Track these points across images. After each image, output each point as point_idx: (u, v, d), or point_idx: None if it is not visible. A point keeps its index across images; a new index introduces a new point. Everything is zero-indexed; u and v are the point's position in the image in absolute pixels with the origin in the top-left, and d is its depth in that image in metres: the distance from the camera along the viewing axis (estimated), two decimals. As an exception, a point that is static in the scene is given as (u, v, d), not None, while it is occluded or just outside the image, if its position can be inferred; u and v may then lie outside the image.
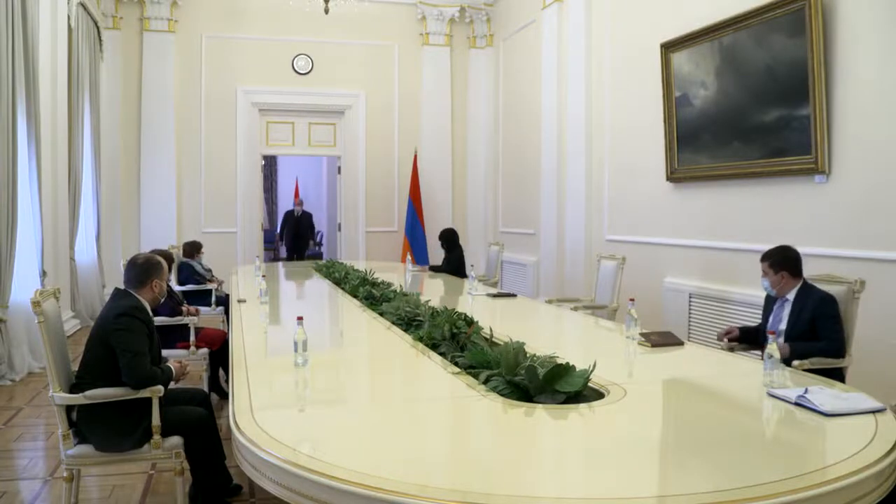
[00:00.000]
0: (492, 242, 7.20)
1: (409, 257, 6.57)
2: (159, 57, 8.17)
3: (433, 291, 5.25)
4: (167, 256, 4.48)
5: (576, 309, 4.37)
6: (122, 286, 2.96)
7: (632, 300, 3.12)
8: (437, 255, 7.52)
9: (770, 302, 3.38)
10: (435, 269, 6.71)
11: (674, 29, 5.18)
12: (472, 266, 5.41)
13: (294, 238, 9.54)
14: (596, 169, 6.35)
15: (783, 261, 3.31)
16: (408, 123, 9.11)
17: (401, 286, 4.50)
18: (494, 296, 4.54)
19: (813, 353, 3.13)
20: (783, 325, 3.26)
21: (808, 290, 3.30)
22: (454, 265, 6.49)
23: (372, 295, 4.14)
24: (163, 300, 3.10)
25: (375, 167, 8.93)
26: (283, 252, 9.95)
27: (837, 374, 3.07)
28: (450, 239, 6.50)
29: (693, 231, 4.73)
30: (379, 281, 4.73)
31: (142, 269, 3.06)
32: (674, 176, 5.15)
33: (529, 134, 7.56)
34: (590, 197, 6.38)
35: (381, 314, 3.63)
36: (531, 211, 7.40)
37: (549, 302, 4.70)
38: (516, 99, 8.17)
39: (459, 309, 3.47)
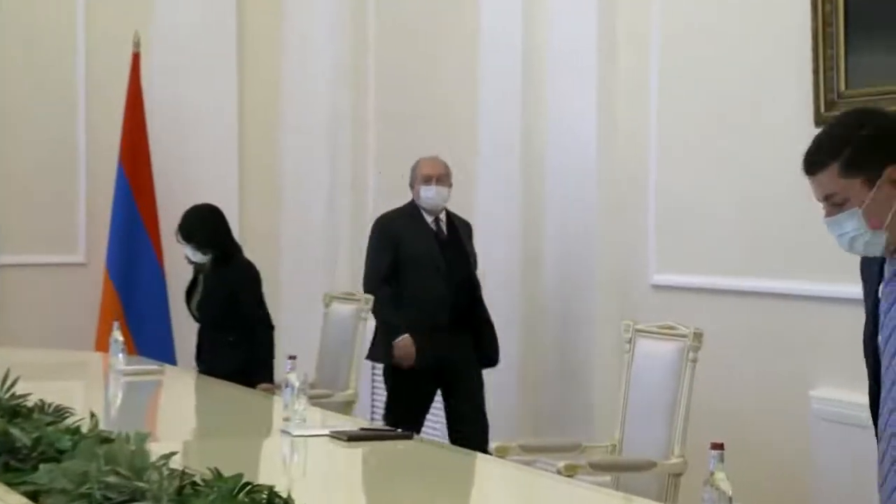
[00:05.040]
0: (337, 295, 6.42)
1: (116, 335, 5.98)
2: None
3: (189, 423, 5.13)
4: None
5: (570, 472, 4.02)
6: None
7: (717, 448, 2.45)
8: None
9: (872, 277, 2.99)
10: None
11: None
12: (291, 360, 4.78)
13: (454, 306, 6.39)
14: (624, 112, 5.87)
15: (871, 142, 2.68)
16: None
17: (94, 416, 3.96)
18: (351, 438, 3.94)
19: None
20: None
21: None
22: (224, 292, 5.88)
23: (13, 445, 3.63)
24: None
25: (21, 83, 7.65)
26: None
27: None
28: (211, 230, 5.97)
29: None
30: (32, 405, 4.13)
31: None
32: (834, 115, 4.54)
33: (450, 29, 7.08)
34: (610, 180, 5.82)
35: (38, 494, 3.20)
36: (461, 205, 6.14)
37: (501, 454, 4.28)
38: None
39: (263, 473, 3.36)
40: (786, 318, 5.00)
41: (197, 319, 6.14)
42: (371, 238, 6.13)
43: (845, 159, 2.65)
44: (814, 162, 2.71)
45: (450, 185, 6.16)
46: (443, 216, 6.14)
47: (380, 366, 6.64)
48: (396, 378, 5.96)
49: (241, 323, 6.05)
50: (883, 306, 2.77)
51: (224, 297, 6.00)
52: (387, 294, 6.09)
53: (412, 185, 6.15)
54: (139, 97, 7.95)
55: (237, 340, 5.92)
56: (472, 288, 6.14)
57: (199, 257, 5.94)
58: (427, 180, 6.06)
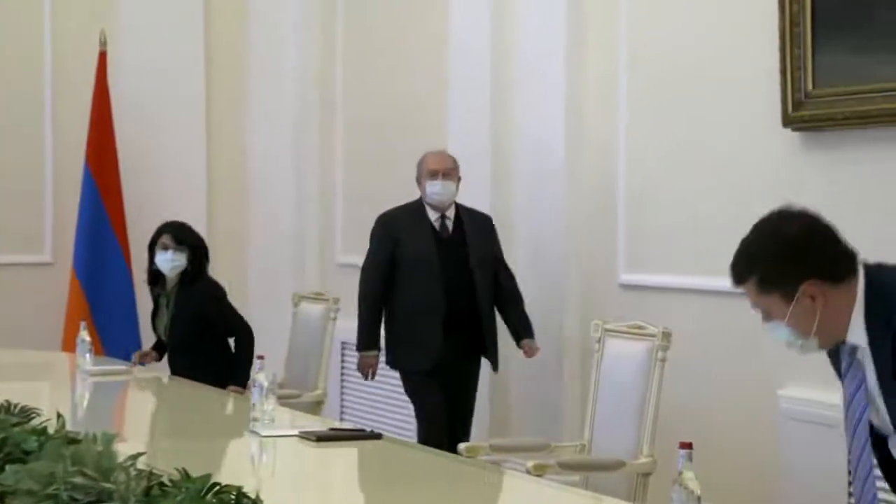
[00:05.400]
0: (306, 295, 6.47)
1: (83, 335, 5.90)
2: None
3: (156, 424, 5.10)
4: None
5: (539, 472, 4.02)
6: None
7: (686, 447, 2.46)
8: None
9: (837, 364, 2.99)
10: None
11: None
12: (259, 359, 4.78)
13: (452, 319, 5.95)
14: (593, 115, 5.89)
15: (786, 256, 2.69)
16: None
17: (61, 417, 3.99)
18: (320, 439, 4.04)
19: None
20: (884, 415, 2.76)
21: (885, 304, 2.61)
22: (191, 311, 5.97)
23: (-22, 447, 3.33)
24: None
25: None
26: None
27: None
28: (199, 239, 6.15)
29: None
30: (-3, 404, 4.13)
31: None
32: (801, 115, 4.74)
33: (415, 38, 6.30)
34: (579, 183, 5.84)
35: (4, 495, 3.14)
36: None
37: (472, 454, 4.25)
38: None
39: (231, 474, 3.29)
40: (754, 318, 5.07)
41: (167, 345, 5.99)
42: (371, 237, 5.81)
43: (759, 277, 2.62)
44: (735, 274, 2.71)
45: (458, 180, 5.79)
46: (451, 213, 5.73)
47: (351, 367, 6.79)
48: (407, 379, 5.85)
49: (212, 342, 6.00)
50: (846, 396, 2.74)
51: (191, 316, 5.87)
52: (375, 295, 5.84)
53: (419, 181, 5.80)
54: (106, 96, 7.91)
55: (210, 360, 5.85)
56: (471, 289, 5.77)
57: (178, 262, 5.81)
58: (433, 175, 5.69)
